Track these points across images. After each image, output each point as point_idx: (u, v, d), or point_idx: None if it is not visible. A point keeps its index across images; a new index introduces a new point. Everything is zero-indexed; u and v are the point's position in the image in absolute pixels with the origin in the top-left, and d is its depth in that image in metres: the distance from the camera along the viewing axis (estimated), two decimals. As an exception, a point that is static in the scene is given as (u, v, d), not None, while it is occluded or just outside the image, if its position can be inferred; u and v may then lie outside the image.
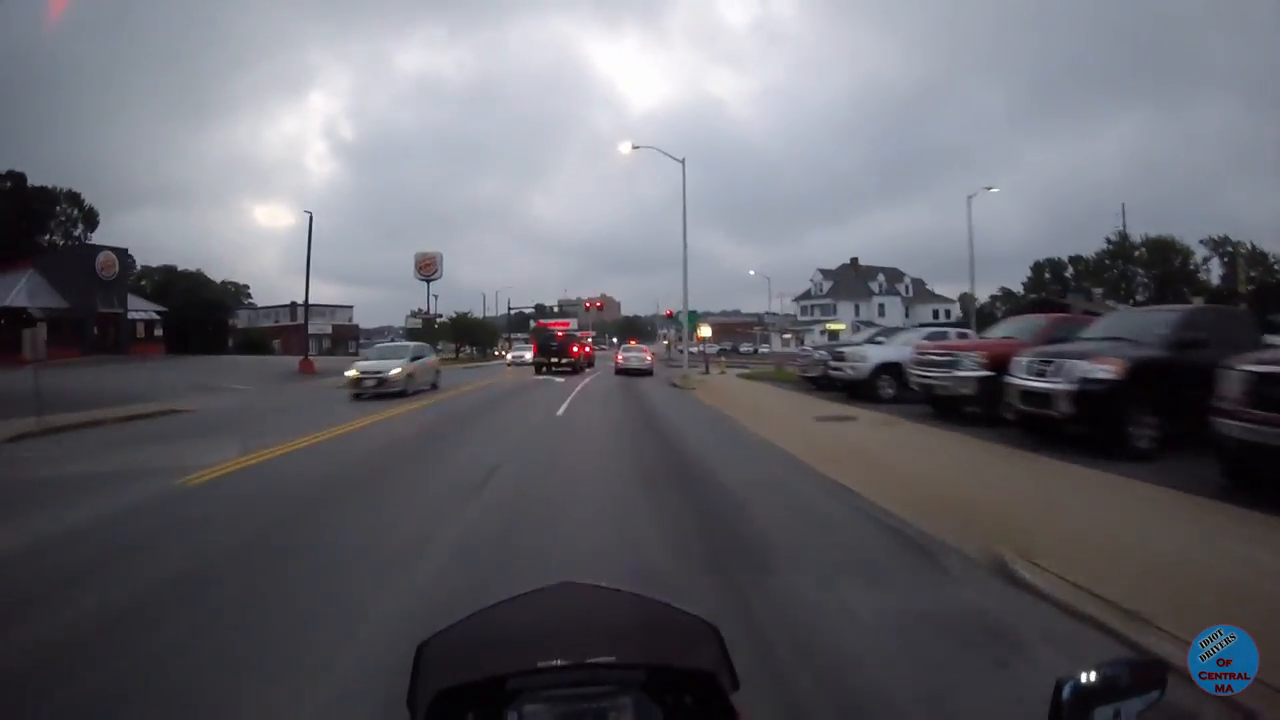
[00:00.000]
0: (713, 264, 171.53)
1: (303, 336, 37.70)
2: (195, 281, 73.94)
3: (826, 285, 72.31)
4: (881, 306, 72.11)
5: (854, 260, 75.34)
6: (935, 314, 74.94)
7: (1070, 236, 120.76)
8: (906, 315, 74.18)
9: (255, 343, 75.69)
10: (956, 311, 76.23)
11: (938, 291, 78.75)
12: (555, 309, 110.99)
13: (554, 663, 0.87)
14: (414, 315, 68.19)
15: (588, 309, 60.71)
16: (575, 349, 28.21)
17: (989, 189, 34.13)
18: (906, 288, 75.41)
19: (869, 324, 74.39)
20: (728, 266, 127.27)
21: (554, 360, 27.92)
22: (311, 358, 32.49)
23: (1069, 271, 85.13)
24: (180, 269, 76.66)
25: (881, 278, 73.38)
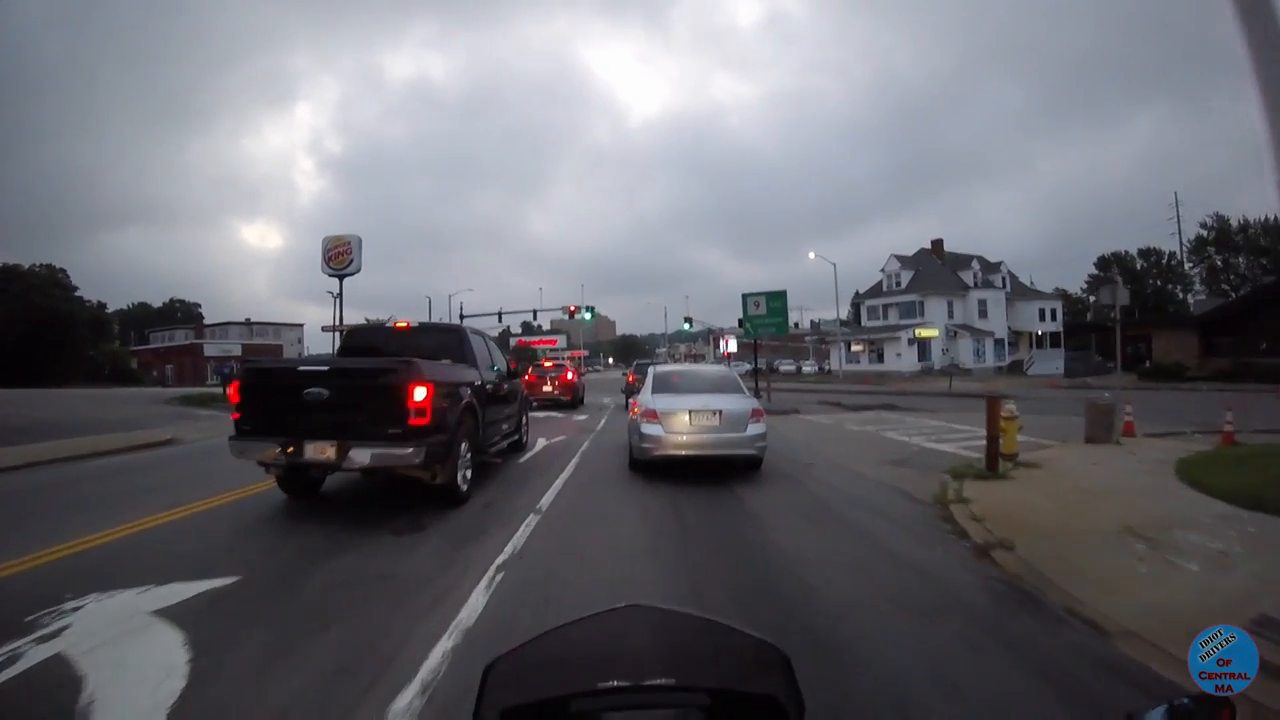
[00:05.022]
0: (713, 281, 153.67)
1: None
2: (31, 284, 52.94)
3: (905, 277, 51.90)
4: (982, 304, 51.84)
5: (936, 244, 55.23)
6: (1041, 314, 55.27)
7: (1086, 235, 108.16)
8: (1007, 318, 54.20)
9: (124, 370, 56.54)
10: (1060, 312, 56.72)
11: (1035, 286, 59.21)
12: (536, 321, 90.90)
13: (614, 684, 0.87)
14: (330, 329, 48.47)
15: (573, 314, 40.11)
16: (419, 406, 5.56)
17: None
18: (1003, 280, 55.10)
19: (966, 328, 54.83)
20: (729, 282, 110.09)
21: (305, 460, 5.75)
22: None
23: (1139, 266, 70.16)
24: (26, 267, 56.15)
25: (976, 266, 53.16)
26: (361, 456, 5.60)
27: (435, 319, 46.93)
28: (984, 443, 11.42)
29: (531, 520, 5.78)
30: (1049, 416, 14.44)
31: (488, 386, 7.57)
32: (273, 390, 6.08)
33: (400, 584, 4.26)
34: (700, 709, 0.84)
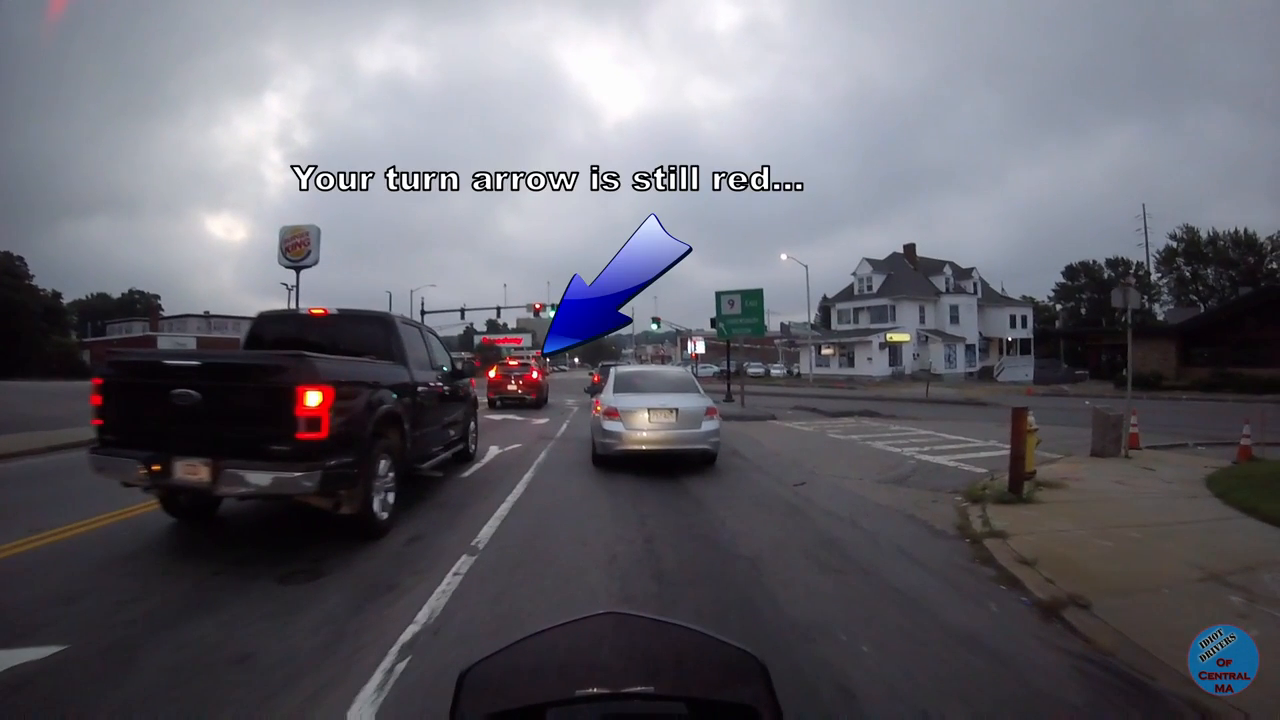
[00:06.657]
0: (684, 286, 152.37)
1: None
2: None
3: (877, 281, 51.58)
4: (954, 310, 51.82)
5: (909, 248, 55.12)
6: (1012, 321, 55.56)
7: (1055, 244, 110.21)
8: (978, 324, 54.36)
9: (74, 363, 53.09)
10: (1030, 319, 57.15)
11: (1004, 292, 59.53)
12: (500, 319, 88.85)
13: (592, 691, 0.84)
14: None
15: (538, 312, 38.64)
16: (311, 415, 4.16)
17: None
18: (975, 286, 55.25)
19: (937, 333, 54.75)
20: (699, 286, 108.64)
21: (174, 482, 4.45)
22: None
23: (1107, 275, 71.46)
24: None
25: (948, 272, 53.14)
26: (239, 480, 4.25)
27: (406, 315, 44.85)
28: (983, 455, 10.58)
29: (463, 563, 4.48)
30: (1041, 426, 13.60)
31: (421, 389, 6.21)
32: (138, 390, 4.69)
33: (263, 673, 2.96)
34: (678, 718, 0.81)
